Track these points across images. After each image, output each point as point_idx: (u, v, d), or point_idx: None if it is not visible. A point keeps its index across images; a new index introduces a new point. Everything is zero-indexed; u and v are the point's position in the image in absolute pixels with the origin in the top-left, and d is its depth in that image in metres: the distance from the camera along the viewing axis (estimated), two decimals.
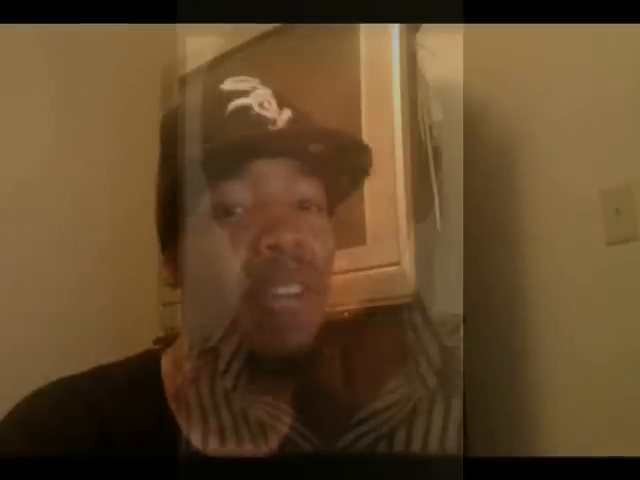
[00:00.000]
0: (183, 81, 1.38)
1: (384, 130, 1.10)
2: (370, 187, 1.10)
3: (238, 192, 0.67)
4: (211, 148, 0.67)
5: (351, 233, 1.11)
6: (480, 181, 1.34)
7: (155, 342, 1.32)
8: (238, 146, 0.67)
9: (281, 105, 0.71)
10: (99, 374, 0.72)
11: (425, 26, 1.17)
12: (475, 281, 1.21)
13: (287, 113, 0.71)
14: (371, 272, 1.08)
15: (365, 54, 1.14)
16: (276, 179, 0.68)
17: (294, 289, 0.66)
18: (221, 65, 1.29)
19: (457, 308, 1.00)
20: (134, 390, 0.70)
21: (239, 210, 0.67)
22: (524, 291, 1.32)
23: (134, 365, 0.74)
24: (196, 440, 0.69)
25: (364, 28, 1.14)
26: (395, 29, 1.12)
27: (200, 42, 1.34)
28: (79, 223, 1.58)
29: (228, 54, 1.30)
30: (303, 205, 0.69)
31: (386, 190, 1.09)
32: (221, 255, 0.66)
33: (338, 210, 0.76)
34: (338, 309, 1.04)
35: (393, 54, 1.11)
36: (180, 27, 1.29)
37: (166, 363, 0.73)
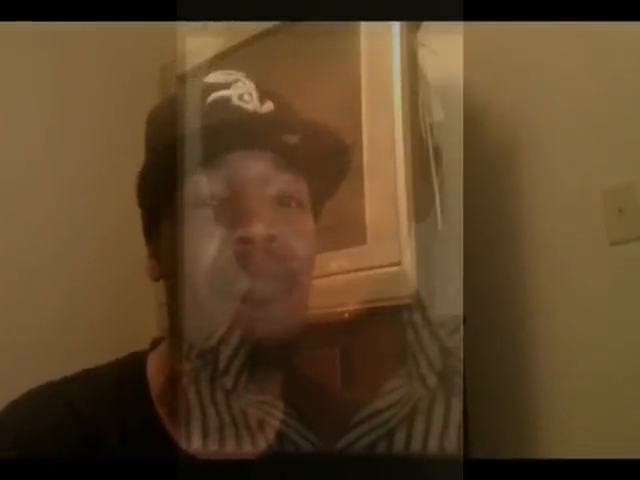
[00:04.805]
0: (182, 79, 1.38)
1: (384, 130, 1.10)
2: (370, 187, 1.10)
3: (213, 184, 0.67)
4: (188, 136, 0.67)
5: (351, 233, 1.11)
6: (481, 180, 1.33)
7: (153, 342, 1.31)
8: (214, 135, 0.67)
9: (263, 98, 0.71)
10: (83, 377, 0.72)
11: (425, 25, 1.17)
12: (476, 281, 1.21)
13: (268, 106, 0.70)
14: (372, 272, 1.07)
15: (365, 53, 1.13)
16: (253, 171, 0.67)
17: (265, 284, 0.65)
18: (221, 63, 1.29)
19: (457, 308, 1.00)
20: (119, 392, 0.70)
21: (214, 202, 0.67)
22: (525, 291, 1.31)
23: (119, 367, 0.74)
24: (185, 441, 0.68)
25: (364, 27, 1.14)
26: (395, 28, 1.11)
27: (200, 40, 1.34)
28: (76, 223, 1.57)
29: (228, 52, 1.30)
30: (283, 200, 0.68)
31: (386, 190, 1.08)
32: (195, 248, 0.66)
33: (323, 212, 0.75)
34: (338, 309, 1.04)
35: (394, 53, 1.11)
36: (180, 26, 1.29)
37: (152, 364, 0.73)
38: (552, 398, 1.25)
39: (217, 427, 0.68)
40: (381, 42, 1.12)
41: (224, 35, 1.31)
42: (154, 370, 0.72)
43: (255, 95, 0.70)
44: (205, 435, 0.68)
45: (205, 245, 0.65)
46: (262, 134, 0.69)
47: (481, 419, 1.23)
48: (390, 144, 1.09)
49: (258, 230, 0.64)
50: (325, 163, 0.73)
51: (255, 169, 0.67)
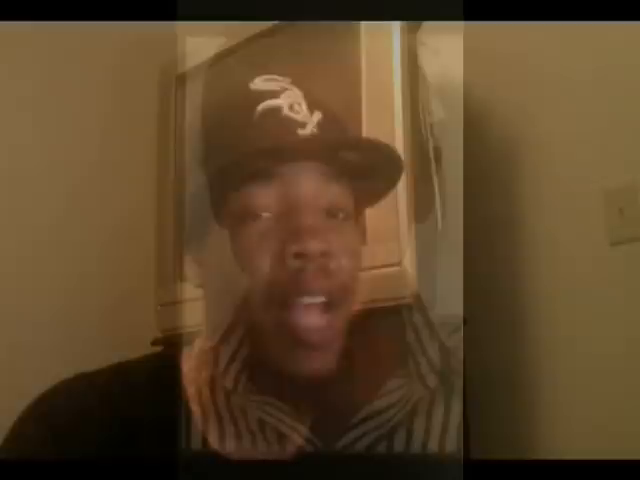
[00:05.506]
0: (182, 79, 1.38)
1: (384, 129, 1.09)
2: None
3: (265, 196, 0.65)
4: (239, 151, 0.66)
5: None
6: (481, 180, 1.33)
7: (153, 343, 1.31)
8: (267, 150, 0.66)
9: (312, 107, 0.69)
10: (116, 370, 0.73)
11: (425, 25, 1.17)
12: (476, 281, 1.20)
13: (318, 116, 0.69)
14: (372, 272, 1.07)
15: (365, 53, 1.13)
16: (305, 184, 0.66)
17: (318, 299, 0.65)
18: (221, 63, 1.29)
19: (457, 308, 1.00)
20: (153, 387, 0.70)
21: (266, 215, 0.65)
22: (526, 291, 1.31)
23: (153, 363, 0.75)
24: (213, 441, 0.68)
25: (364, 27, 1.14)
26: (395, 28, 1.11)
27: (200, 40, 1.34)
28: (76, 223, 1.57)
29: (228, 52, 1.30)
30: (331, 212, 0.67)
31: None
32: (245, 261, 0.65)
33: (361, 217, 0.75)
34: None
35: (394, 52, 1.11)
36: (180, 25, 1.29)
37: (186, 362, 0.73)
38: (553, 398, 1.25)
39: (245, 433, 0.69)
40: (381, 42, 1.12)
41: (224, 35, 1.31)
42: (189, 369, 0.72)
43: (304, 105, 0.69)
44: (231, 438, 0.69)
45: (258, 258, 0.65)
46: (316, 147, 0.68)
47: (481, 419, 1.23)
48: (390, 144, 1.08)
49: (314, 246, 0.63)
50: (375, 175, 0.72)
51: (309, 182, 0.66)
